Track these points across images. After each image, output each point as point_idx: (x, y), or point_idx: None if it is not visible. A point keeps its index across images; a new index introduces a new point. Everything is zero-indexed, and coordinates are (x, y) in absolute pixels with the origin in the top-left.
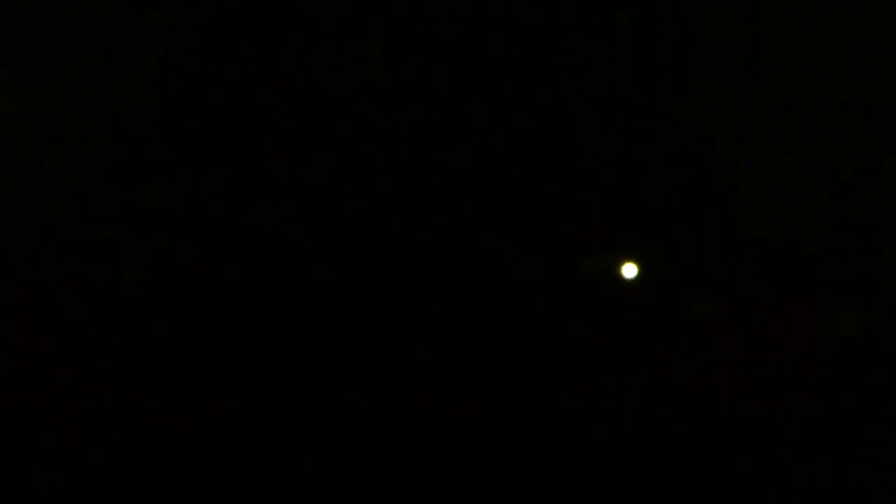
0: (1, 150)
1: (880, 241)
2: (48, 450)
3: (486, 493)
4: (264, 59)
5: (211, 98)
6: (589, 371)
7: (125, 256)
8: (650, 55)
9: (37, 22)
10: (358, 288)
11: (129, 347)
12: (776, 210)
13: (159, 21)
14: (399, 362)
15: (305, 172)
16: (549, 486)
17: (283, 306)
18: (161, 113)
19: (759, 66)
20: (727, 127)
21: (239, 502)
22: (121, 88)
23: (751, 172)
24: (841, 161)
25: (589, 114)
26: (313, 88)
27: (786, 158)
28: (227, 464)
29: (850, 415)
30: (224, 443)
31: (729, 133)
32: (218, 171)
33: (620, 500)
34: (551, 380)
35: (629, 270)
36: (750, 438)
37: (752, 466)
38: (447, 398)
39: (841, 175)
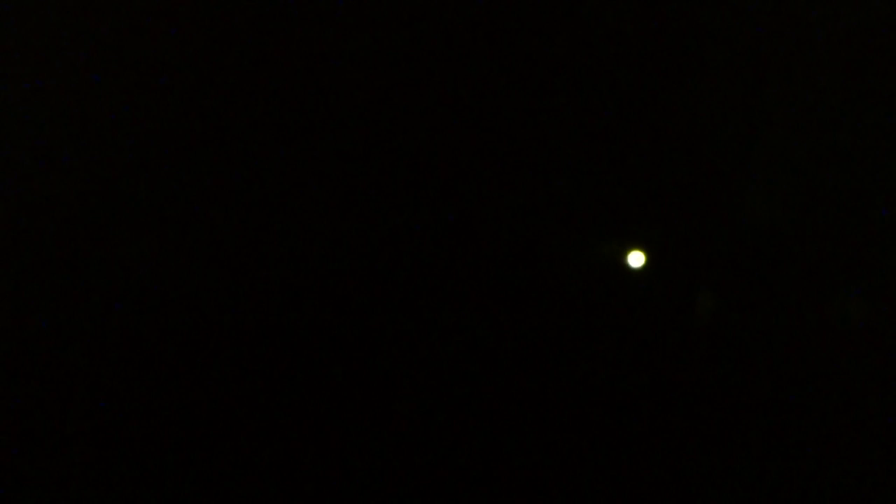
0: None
1: (890, 233)
2: (48, 450)
3: (487, 488)
4: (263, 58)
5: (209, 97)
6: (594, 360)
7: (123, 256)
8: (656, 43)
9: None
10: (360, 281)
11: (128, 347)
12: (786, 200)
13: (157, 20)
14: (400, 353)
15: (304, 172)
16: (551, 478)
17: (282, 306)
18: (159, 112)
19: (768, 55)
20: (736, 115)
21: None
22: (118, 87)
23: (760, 162)
24: (852, 152)
25: (595, 102)
26: (313, 88)
27: (796, 148)
28: (226, 464)
29: (858, 406)
30: (223, 443)
31: (738, 122)
32: (217, 171)
33: (623, 494)
34: (556, 369)
35: (636, 259)
36: (756, 431)
37: (759, 459)
38: (447, 389)
39: (851, 166)
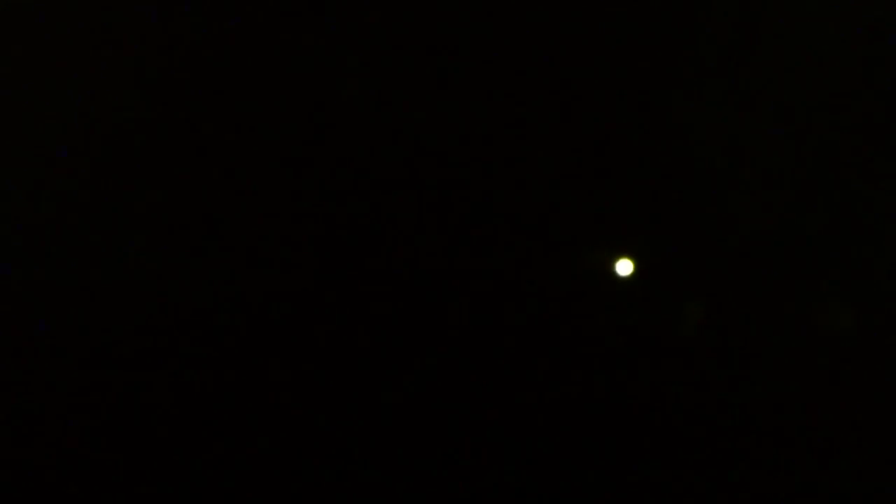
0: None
1: (881, 239)
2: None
3: (477, 492)
4: (263, 58)
5: (208, 97)
6: (583, 369)
7: (122, 256)
8: (645, 49)
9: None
10: (350, 286)
11: (127, 348)
12: (777, 207)
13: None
14: (388, 362)
15: (303, 173)
16: (539, 485)
17: (281, 307)
18: (159, 112)
19: (756, 61)
20: (724, 122)
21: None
22: (118, 87)
23: (750, 169)
24: (841, 158)
25: (583, 109)
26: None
27: (785, 156)
28: (226, 464)
29: (849, 414)
30: (223, 443)
31: (727, 128)
32: (216, 172)
33: (613, 500)
34: (543, 378)
35: (624, 267)
36: (747, 439)
37: (750, 467)
38: (435, 397)
39: (841, 172)
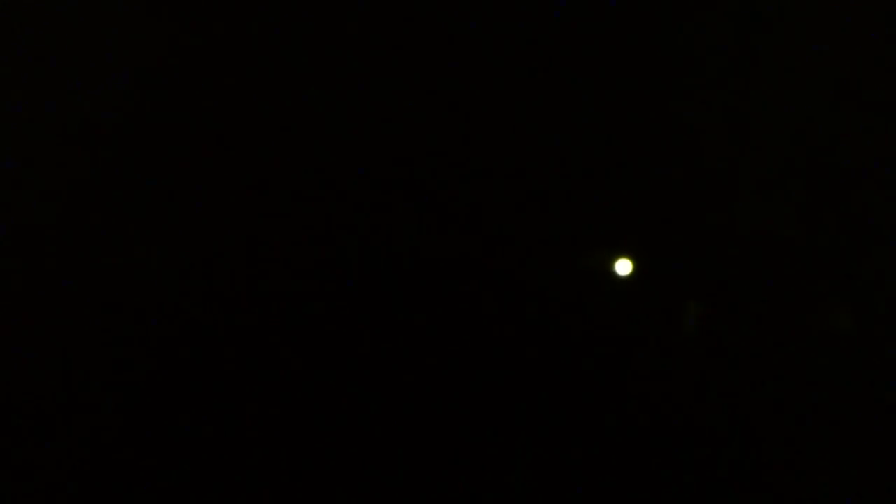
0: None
1: (880, 241)
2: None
3: (477, 492)
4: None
5: (207, 97)
6: (582, 368)
7: (121, 255)
8: (646, 49)
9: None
10: (349, 288)
11: (126, 347)
12: (775, 208)
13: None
14: (387, 361)
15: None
16: (539, 485)
17: (282, 308)
18: (158, 111)
19: (758, 62)
20: (725, 122)
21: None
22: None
23: (749, 170)
24: (841, 160)
25: (583, 108)
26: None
27: (785, 156)
28: (226, 464)
29: (848, 415)
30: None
31: (727, 128)
32: (215, 171)
33: (614, 500)
34: (542, 378)
35: (623, 267)
36: (746, 440)
37: (750, 467)
38: (433, 398)
39: (841, 174)
